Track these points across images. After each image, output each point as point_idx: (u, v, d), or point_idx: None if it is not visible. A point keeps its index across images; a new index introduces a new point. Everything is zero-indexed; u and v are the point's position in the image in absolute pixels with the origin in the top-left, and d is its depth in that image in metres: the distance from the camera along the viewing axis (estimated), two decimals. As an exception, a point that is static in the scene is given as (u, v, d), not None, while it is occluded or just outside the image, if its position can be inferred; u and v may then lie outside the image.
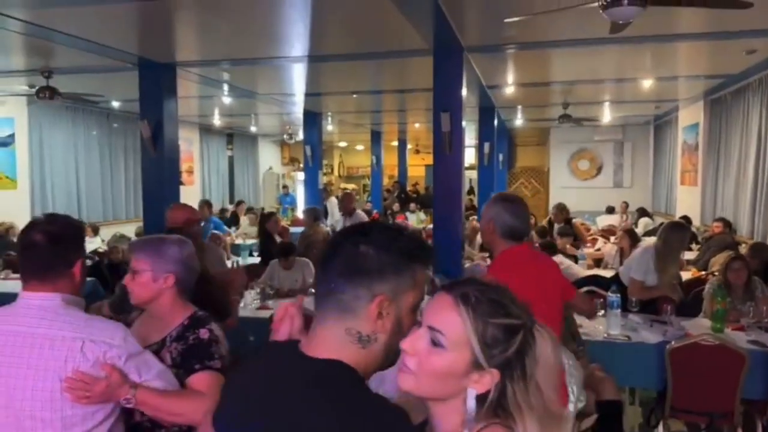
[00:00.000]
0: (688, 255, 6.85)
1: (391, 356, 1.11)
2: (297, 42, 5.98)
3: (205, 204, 9.73)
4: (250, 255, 8.55)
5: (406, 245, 1.12)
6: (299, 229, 8.46)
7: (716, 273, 4.81)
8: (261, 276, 5.59)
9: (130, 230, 9.36)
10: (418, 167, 19.60)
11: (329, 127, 13.52)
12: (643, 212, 11.68)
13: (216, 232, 8.67)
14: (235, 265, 6.53)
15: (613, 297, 4.02)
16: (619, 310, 4.02)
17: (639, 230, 9.59)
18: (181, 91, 7.03)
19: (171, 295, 1.98)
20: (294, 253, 5.69)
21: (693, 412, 3.57)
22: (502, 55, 6.51)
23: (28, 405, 1.61)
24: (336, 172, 21.17)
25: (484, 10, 4.95)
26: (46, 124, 9.73)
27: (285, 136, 13.86)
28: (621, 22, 3.91)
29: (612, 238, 8.77)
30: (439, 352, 1.02)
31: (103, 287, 6.19)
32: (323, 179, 11.76)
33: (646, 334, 3.97)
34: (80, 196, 10.42)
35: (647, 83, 8.34)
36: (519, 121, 13.28)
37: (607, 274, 5.82)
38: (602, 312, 4.07)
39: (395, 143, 16.89)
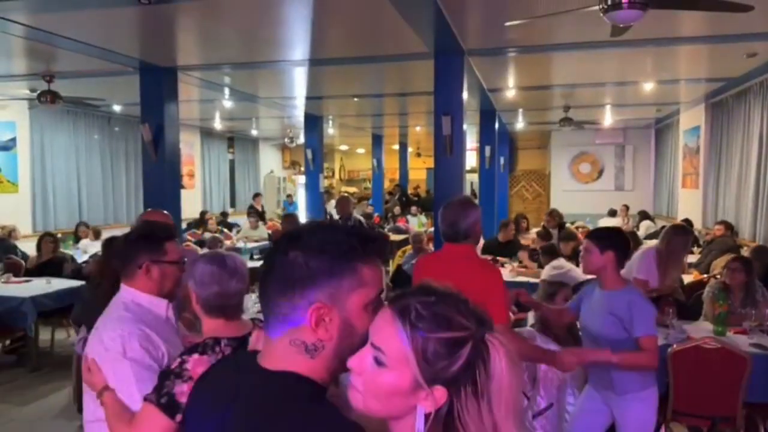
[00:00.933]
0: (690, 258, 6.84)
1: (348, 360, 1.04)
2: (298, 45, 5.99)
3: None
4: (251, 258, 8.53)
5: (342, 244, 1.05)
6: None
7: (718, 276, 4.79)
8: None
9: (131, 234, 9.35)
10: (419, 170, 19.59)
11: (330, 130, 13.54)
12: (644, 215, 11.67)
13: (217, 235, 8.64)
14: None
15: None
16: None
17: (641, 233, 9.59)
18: (182, 94, 7.05)
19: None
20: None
21: (695, 415, 3.55)
22: (503, 58, 6.51)
23: None
24: (337, 176, 21.17)
25: (485, 14, 4.95)
26: (48, 128, 9.75)
27: (286, 140, 13.84)
28: (622, 25, 3.91)
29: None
30: (381, 372, 0.96)
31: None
32: (324, 183, 11.76)
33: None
34: (81, 200, 10.44)
35: (648, 86, 8.33)
36: (520, 124, 13.27)
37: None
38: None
39: (396, 146, 16.87)
